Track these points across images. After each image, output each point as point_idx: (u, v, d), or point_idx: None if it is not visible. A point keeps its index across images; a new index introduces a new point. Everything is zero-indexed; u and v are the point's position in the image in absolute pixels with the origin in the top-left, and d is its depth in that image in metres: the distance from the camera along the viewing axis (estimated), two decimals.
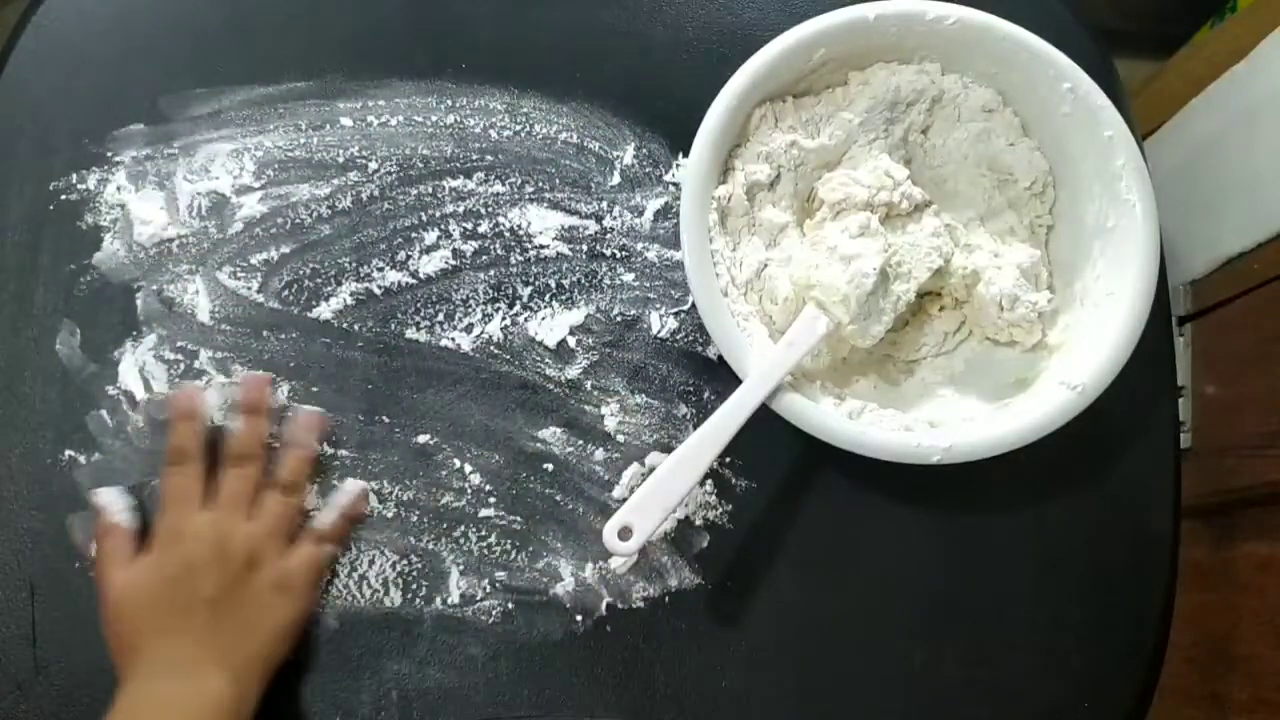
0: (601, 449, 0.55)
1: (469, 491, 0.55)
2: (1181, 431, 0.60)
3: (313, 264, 0.57)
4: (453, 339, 0.56)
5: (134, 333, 0.55)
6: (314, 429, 0.54)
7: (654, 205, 0.59)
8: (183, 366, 0.55)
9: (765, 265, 0.54)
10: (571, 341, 0.57)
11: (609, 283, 0.58)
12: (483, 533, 0.54)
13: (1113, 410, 0.51)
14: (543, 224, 0.58)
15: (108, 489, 0.52)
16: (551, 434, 0.56)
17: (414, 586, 0.54)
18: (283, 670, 0.51)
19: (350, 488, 0.54)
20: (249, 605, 0.49)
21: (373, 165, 0.58)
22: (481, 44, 0.60)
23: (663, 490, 0.48)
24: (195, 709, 0.46)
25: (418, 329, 0.56)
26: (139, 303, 0.56)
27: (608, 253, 0.58)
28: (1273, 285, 0.81)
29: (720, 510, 0.55)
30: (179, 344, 0.55)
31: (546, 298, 0.57)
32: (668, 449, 0.55)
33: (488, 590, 0.54)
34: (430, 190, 0.58)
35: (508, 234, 0.58)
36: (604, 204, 0.58)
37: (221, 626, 0.48)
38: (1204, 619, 0.82)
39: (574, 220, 0.58)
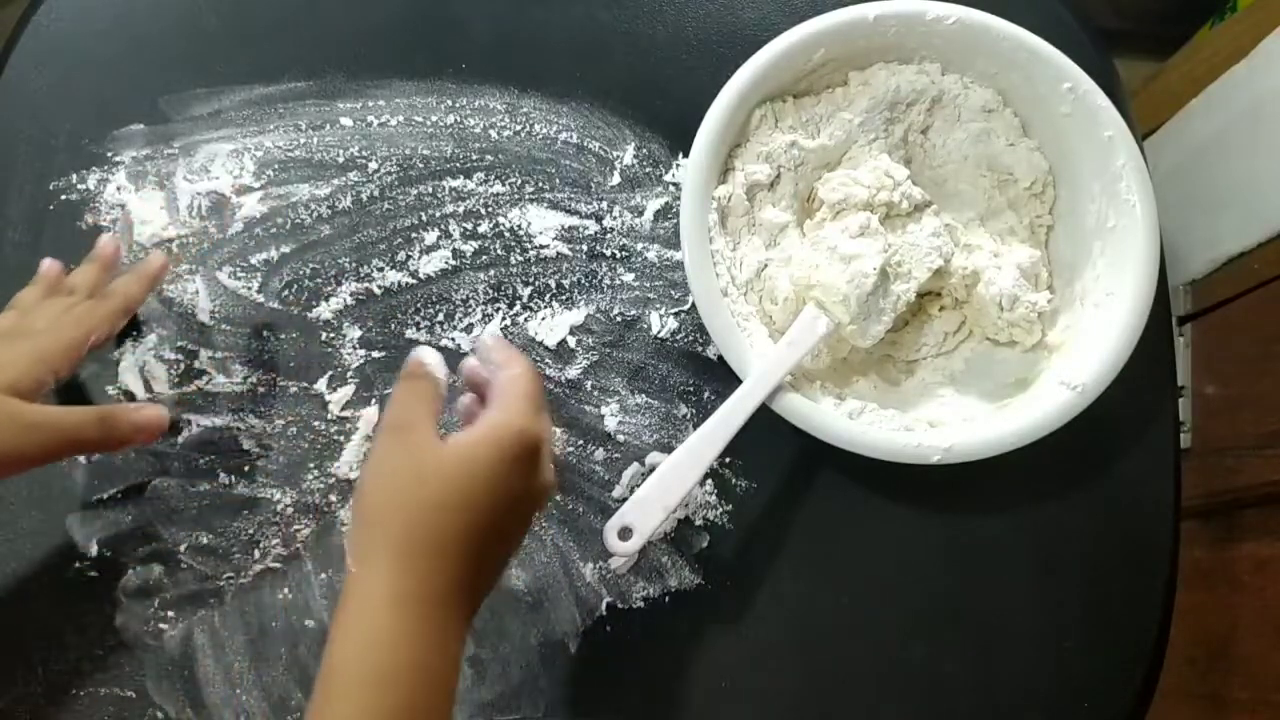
0: (601, 449, 0.55)
1: None
2: (1181, 431, 0.59)
3: (313, 264, 0.57)
4: (453, 339, 0.56)
5: (134, 333, 0.55)
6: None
7: (654, 205, 0.58)
8: (183, 366, 0.55)
9: (765, 265, 0.54)
10: (571, 341, 0.57)
11: (609, 283, 0.58)
12: None
13: (1113, 410, 0.51)
14: (543, 224, 0.58)
15: (428, 349, 0.42)
16: (551, 434, 0.56)
17: None
18: (285, 669, 0.51)
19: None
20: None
21: (373, 165, 0.58)
22: (481, 44, 0.60)
23: (663, 490, 0.48)
24: (436, 667, 0.36)
25: (418, 329, 0.56)
26: None
27: (608, 253, 0.58)
28: (1273, 285, 0.81)
29: (720, 510, 0.55)
30: (179, 344, 0.55)
31: (546, 298, 0.57)
32: (668, 449, 0.55)
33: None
34: (430, 190, 0.58)
35: (508, 234, 0.58)
36: (604, 204, 0.58)
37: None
38: (1204, 619, 0.82)
39: (574, 220, 0.58)
